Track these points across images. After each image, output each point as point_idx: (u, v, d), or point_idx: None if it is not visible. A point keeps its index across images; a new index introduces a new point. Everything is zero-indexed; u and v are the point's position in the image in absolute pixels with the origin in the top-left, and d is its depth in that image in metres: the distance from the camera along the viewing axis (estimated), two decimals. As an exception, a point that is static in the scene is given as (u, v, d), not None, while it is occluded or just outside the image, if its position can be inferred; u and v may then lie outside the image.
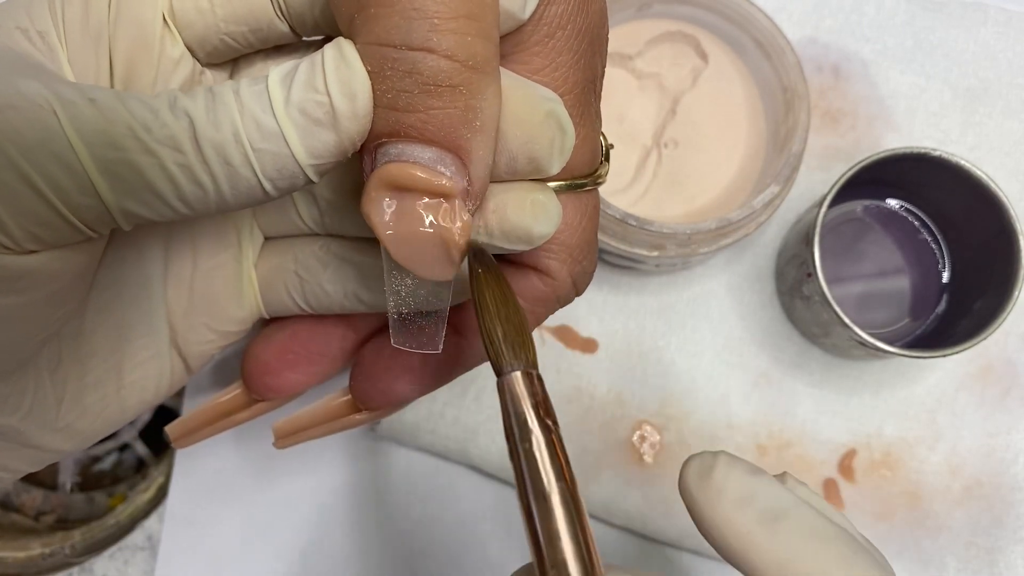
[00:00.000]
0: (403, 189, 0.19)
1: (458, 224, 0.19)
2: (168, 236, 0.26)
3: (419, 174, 0.19)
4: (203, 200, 0.18)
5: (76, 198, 0.18)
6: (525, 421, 0.19)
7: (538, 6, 0.20)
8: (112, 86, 0.21)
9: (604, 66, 0.23)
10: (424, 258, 0.20)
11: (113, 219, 0.18)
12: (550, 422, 0.19)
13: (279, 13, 0.21)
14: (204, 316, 0.27)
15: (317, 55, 0.18)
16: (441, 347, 0.22)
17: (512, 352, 0.20)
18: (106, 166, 0.17)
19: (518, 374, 0.20)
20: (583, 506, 0.19)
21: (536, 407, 0.19)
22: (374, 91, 0.18)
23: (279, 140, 0.18)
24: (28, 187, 0.17)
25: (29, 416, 0.22)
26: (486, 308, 0.20)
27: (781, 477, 0.25)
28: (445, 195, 0.19)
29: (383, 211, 0.19)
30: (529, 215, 0.21)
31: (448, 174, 0.19)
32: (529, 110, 0.20)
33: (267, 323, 0.30)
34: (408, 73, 0.18)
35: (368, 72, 0.18)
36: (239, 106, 0.18)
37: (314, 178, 0.19)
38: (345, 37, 0.19)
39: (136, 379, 0.26)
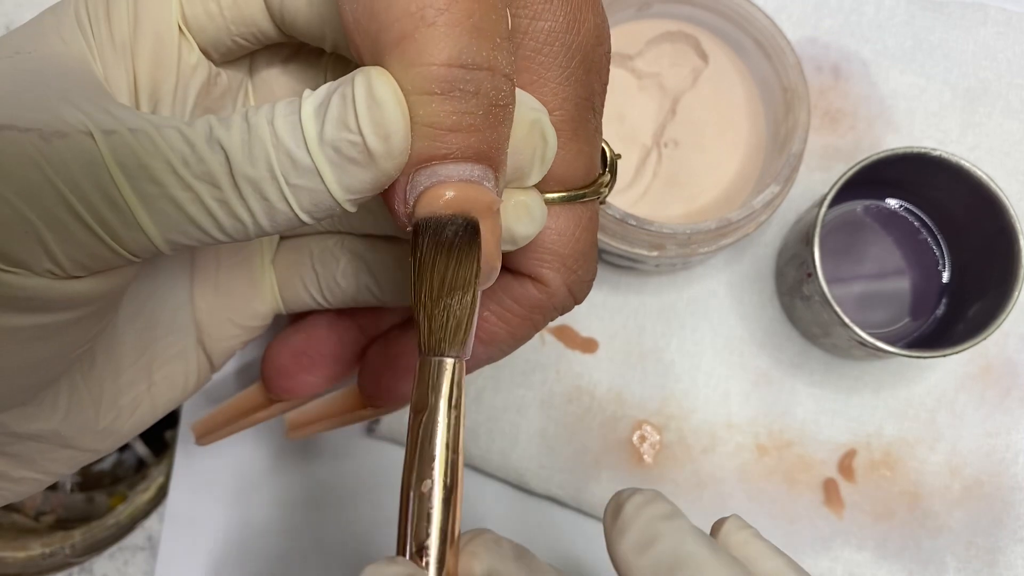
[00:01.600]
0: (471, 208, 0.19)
1: (500, 232, 0.20)
2: None
3: (482, 193, 0.19)
4: (243, 231, 0.19)
5: (122, 231, 0.18)
6: (435, 412, 0.20)
7: (525, 20, 0.20)
8: (138, 97, 0.21)
9: (604, 83, 0.23)
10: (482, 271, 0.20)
11: (157, 248, 0.19)
12: (454, 416, 0.20)
13: (272, 20, 0.22)
14: (228, 312, 0.28)
15: (347, 87, 0.18)
16: (470, 354, 0.22)
17: (439, 334, 0.20)
18: (148, 201, 0.18)
19: (446, 360, 0.20)
20: (459, 505, 0.20)
21: (448, 397, 0.20)
22: (436, 113, 0.18)
23: (314, 176, 0.18)
24: (76, 220, 0.18)
25: (67, 420, 0.23)
26: (415, 283, 0.20)
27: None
28: (497, 209, 0.19)
29: None
30: (512, 215, 0.21)
31: (490, 187, 0.19)
32: (515, 119, 0.20)
33: (289, 322, 0.31)
34: (474, 94, 0.18)
35: (435, 94, 0.17)
36: (274, 139, 0.18)
37: (351, 209, 0.19)
38: (376, 57, 0.18)
39: (164, 376, 0.26)
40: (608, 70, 0.23)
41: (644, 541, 0.22)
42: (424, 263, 0.19)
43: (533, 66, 0.21)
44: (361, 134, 0.17)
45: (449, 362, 0.20)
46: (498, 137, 0.18)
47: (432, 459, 0.20)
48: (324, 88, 0.18)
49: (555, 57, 0.21)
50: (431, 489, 0.20)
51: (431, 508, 0.20)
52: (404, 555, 0.20)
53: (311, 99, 0.18)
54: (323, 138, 0.17)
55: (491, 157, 0.18)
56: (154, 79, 0.21)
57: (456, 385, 0.20)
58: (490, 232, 0.19)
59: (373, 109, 0.17)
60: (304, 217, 0.19)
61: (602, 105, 0.23)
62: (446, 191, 0.18)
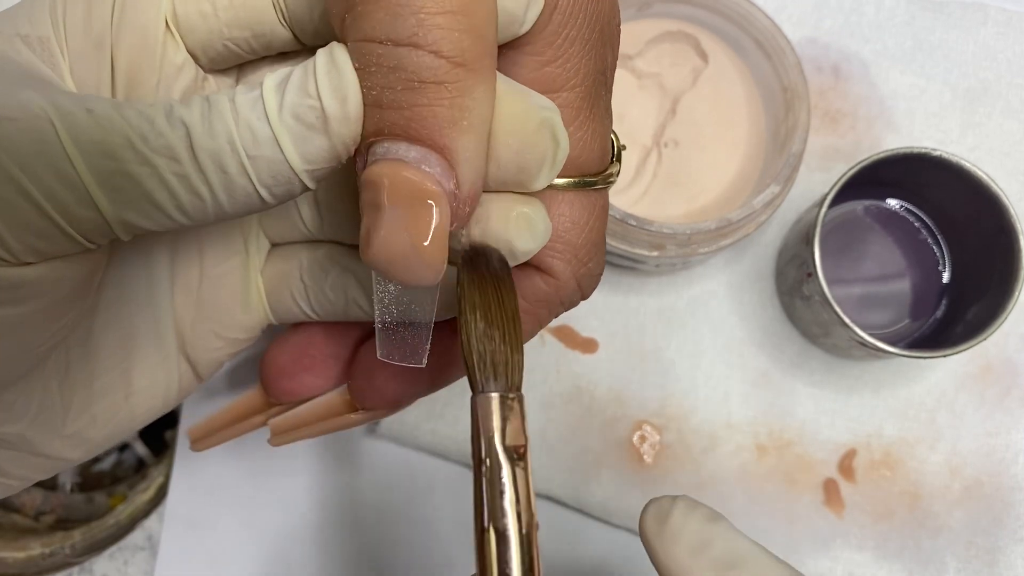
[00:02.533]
0: (386, 188, 0.18)
1: (435, 225, 0.18)
2: (174, 243, 0.26)
3: (403, 173, 0.18)
4: (201, 209, 0.18)
5: (74, 210, 0.17)
6: (492, 450, 0.19)
7: None
8: (114, 93, 0.21)
9: (615, 59, 0.22)
10: (402, 262, 0.18)
11: (112, 230, 0.18)
12: (518, 453, 0.19)
13: (281, 18, 0.21)
14: (212, 323, 0.27)
15: (310, 60, 0.18)
16: (425, 361, 0.21)
17: (490, 371, 0.19)
18: (103, 177, 0.17)
19: (493, 396, 0.19)
20: (536, 550, 0.19)
21: (504, 438, 0.19)
22: (361, 89, 0.18)
23: (273, 146, 0.18)
24: (25, 200, 0.17)
25: (35, 423, 0.22)
26: (464, 321, 0.19)
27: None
28: (429, 195, 0.18)
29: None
30: (513, 228, 0.20)
31: (434, 174, 0.18)
32: (523, 117, 0.19)
33: (291, 328, 0.30)
34: (393, 69, 0.17)
35: (356, 70, 0.18)
36: (234, 113, 0.18)
37: (310, 184, 0.19)
38: (338, 40, 0.18)
39: (145, 386, 0.25)
40: (619, 45, 0.22)
41: (699, 544, 0.23)
42: (470, 296, 0.19)
43: (559, 41, 0.20)
44: (319, 98, 0.17)
45: (511, 399, 0.19)
46: (431, 117, 0.18)
47: (503, 512, 0.19)
48: (286, 68, 0.18)
49: (580, 29, 0.20)
50: (505, 533, 0.18)
51: (509, 553, 0.18)
52: None
53: (273, 76, 0.18)
54: (283, 106, 0.18)
55: (426, 138, 0.18)
56: (133, 75, 0.21)
57: (520, 422, 0.19)
58: (419, 222, 0.18)
59: (332, 73, 0.17)
60: (263, 192, 0.18)
61: (612, 83, 0.22)
62: (375, 169, 0.18)
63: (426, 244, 0.18)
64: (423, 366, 0.21)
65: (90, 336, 0.24)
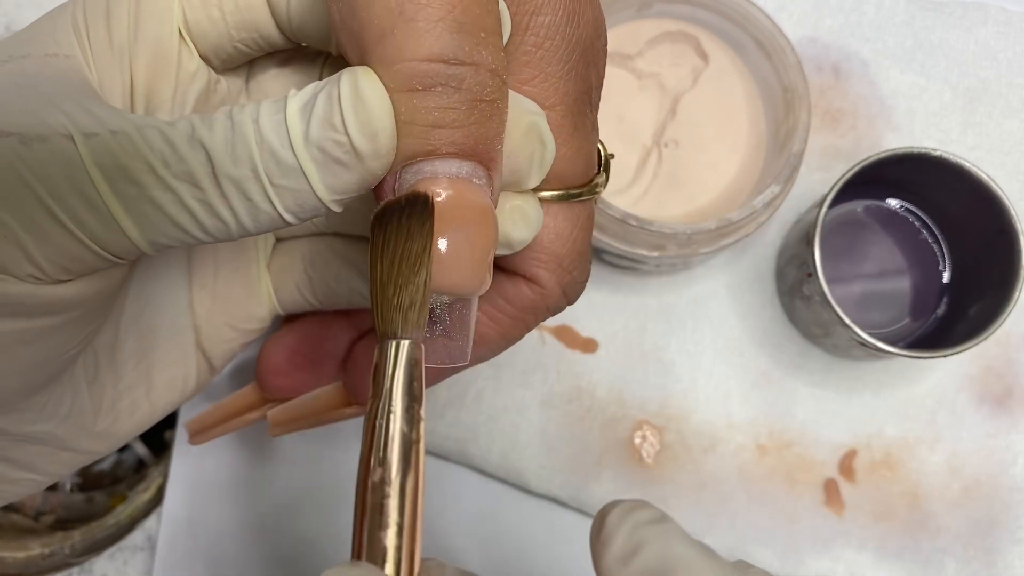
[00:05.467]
0: (451, 208, 0.18)
1: (493, 238, 0.19)
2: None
3: (467, 192, 0.18)
4: (225, 231, 0.18)
5: (102, 233, 0.18)
6: (390, 396, 0.18)
7: (526, 16, 0.20)
8: (133, 104, 0.21)
9: (601, 78, 0.22)
10: (465, 273, 0.19)
11: (139, 249, 0.18)
12: (417, 405, 0.19)
13: (280, 28, 0.22)
14: (226, 316, 0.28)
15: (333, 87, 0.18)
16: (470, 358, 0.21)
17: (389, 318, 0.19)
18: (128, 202, 0.17)
19: (404, 343, 0.19)
20: (420, 504, 0.18)
21: (408, 383, 0.19)
22: (418, 109, 0.17)
23: (299, 177, 0.18)
24: (55, 223, 0.17)
25: (66, 422, 0.23)
26: (372, 274, 0.19)
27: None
28: (489, 210, 0.19)
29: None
30: (508, 219, 0.21)
31: (481, 184, 0.18)
32: (512, 122, 0.20)
33: (284, 322, 0.31)
34: (457, 89, 0.17)
35: (412, 91, 0.17)
36: (258, 138, 0.17)
37: (336, 210, 0.19)
38: (360, 56, 0.18)
39: (164, 381, 0.26)
40: (605, 64, 0.22)
41: (629, 550, 0.21)
42: (375, 247, 0.18)
43: (534, 61, 0.20)
44: (347, 134, 0.17)
45: (404, 344, 0.19)
46: (486, 133, 0.18)
47: (385, 447, 0.18)
48: (310, 88, 0.18)
49: (556, 52, 0.20)
50: (382, 478, 0.18)
51: (386, 499, 0.18)
52: (360, 555, 0.18)
53: (296, 98, 0.18)
54: (308, 138, 0.17)
55: (479, 153, 0.18)
56: (151, 85, 0.21)
57: (409, 367, 0.19)
58: (482, 236, 0.19)
59: (359, 108, 0.17)
60: (288, 217, 0.18)
61: (598, 100, 0.23)
62: (434, 187, 0.18)
63: (487, 257, 0.19)
64: (468, 362, 0.21)
65: (116, 340, 0.25)
